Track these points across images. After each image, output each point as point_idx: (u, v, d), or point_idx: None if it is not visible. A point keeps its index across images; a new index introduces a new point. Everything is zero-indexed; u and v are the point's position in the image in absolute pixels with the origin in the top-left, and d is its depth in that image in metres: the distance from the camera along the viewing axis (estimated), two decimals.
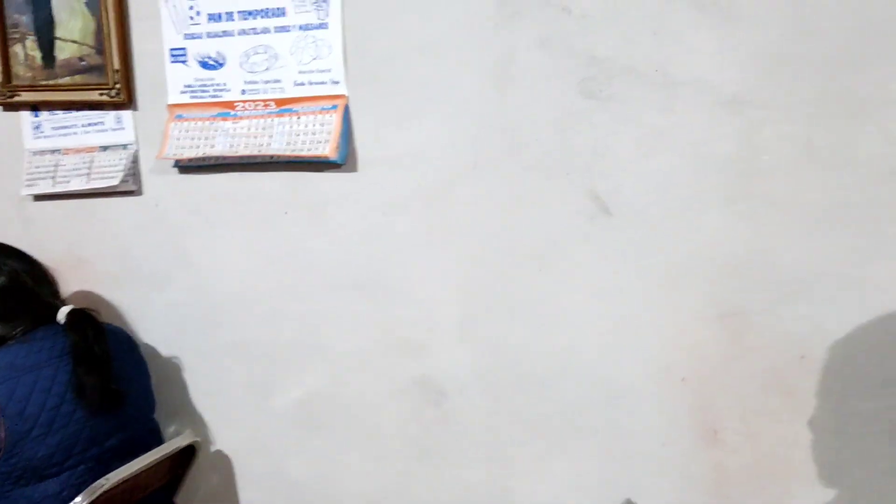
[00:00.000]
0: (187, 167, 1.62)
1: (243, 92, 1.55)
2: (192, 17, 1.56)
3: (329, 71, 1.49)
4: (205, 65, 1.56)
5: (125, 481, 1.39)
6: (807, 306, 1.28)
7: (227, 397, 1.68)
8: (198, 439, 1.61)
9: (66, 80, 1.64)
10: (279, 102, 1.53)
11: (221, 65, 1.55)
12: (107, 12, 1.59)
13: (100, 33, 1.60)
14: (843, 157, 1.24)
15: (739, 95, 1.28)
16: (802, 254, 1.28)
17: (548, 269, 1.44)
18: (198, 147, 1.56)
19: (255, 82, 1.54)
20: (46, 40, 1.64)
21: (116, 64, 1.60)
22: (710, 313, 1.35)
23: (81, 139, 1.68)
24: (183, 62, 1.58)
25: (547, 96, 1.39)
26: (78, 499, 1.32)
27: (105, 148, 1.67)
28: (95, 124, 1.67)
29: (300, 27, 1.50)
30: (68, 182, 1.67)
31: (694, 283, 1.35)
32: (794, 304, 1.29)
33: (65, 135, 1.69)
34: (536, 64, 1.39)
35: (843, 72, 1.23)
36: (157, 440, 1.59)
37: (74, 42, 1.63)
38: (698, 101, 1.31)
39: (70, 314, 1.47)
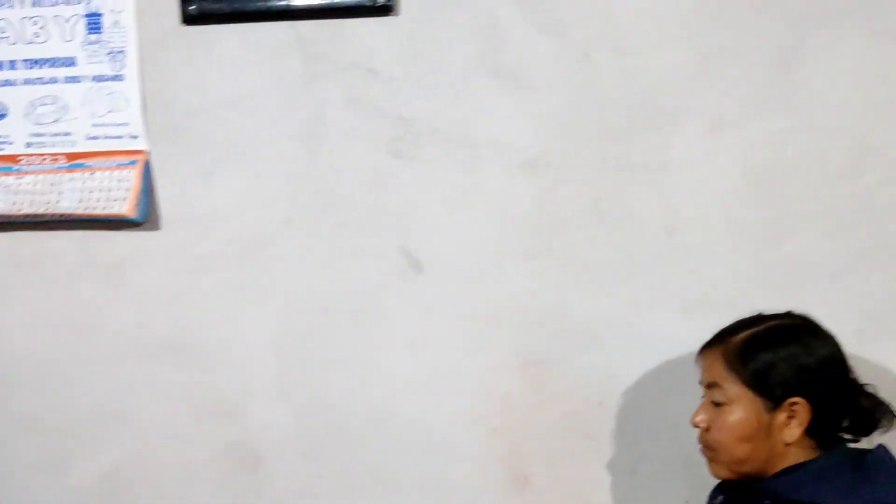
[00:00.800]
0: None
1: (28, 145, 1.44)
2: None
3: (127, 125, 1.42)
4: None
5: None
6: (600, 355, 1.37)
7: (12, 477, 1.52)
8: None
9: None
10: (70, 157, 1.43)
11: (3, 115, 1.43)
12: None
13: None
14: (626, 215, 1.35)
15: (535, 157, 1.36)
16: (594, 305, 1.36)
17: (362, 323, 1.44)
18: None
19: (42, 135, 1.43)
20: None
21: None
22: (516, 363, 1.40)
23: None
24: None
25: (357, 155, 1.40)
26: None
27: None
28: None
29: (93, 78, 1.41)
30: None
31: (500, 334, 1.40)
32: (589, 353, 1.37)
33: None
34: (345, 123, 1.40)
35: (623, 138, 1.34)
36: None
37: None
38: (498, 161, 1.37)
39: None
